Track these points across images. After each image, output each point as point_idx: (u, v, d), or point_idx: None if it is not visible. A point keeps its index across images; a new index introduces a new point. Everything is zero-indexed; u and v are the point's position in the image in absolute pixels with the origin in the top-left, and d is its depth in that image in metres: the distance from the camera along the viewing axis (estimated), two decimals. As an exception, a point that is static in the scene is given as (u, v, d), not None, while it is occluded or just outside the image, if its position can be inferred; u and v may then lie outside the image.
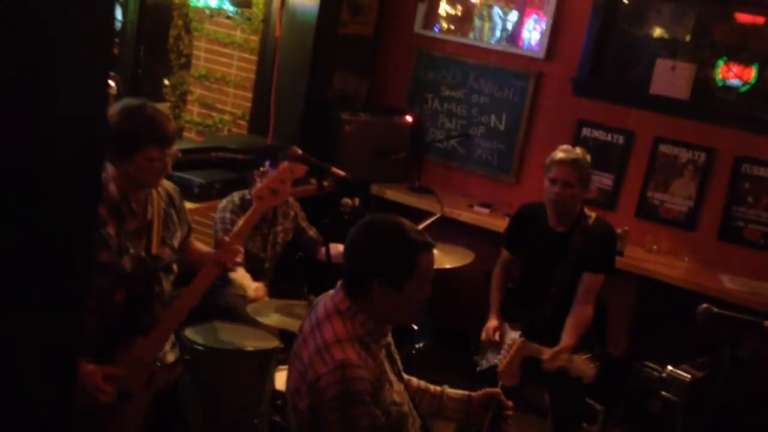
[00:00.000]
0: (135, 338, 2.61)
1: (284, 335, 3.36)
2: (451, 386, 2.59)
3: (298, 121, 5.06)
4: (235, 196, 3.80)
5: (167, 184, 2.84)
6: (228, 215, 3.69)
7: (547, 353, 3.37)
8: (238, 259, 2.79)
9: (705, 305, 2.24)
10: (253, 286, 3.54)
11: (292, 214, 4.04)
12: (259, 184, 3.22)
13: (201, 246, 3.03)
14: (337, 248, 3.96)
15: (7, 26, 1.17)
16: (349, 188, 3.87)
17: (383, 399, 2.00)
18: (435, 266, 3.89)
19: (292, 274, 4.14)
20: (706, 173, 4.71)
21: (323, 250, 3.96)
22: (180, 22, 5.42)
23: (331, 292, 2.15)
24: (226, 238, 2.81)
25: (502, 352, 2.50)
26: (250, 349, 3.10)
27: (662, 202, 4.82)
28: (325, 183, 4.02)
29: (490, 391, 2.30)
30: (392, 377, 2.11)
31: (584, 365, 3.32)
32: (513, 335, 3.76)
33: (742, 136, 4.62)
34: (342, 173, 3.13)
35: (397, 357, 2.24)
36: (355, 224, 2.14)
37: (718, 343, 3.89)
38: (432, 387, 2.38)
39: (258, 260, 3.83)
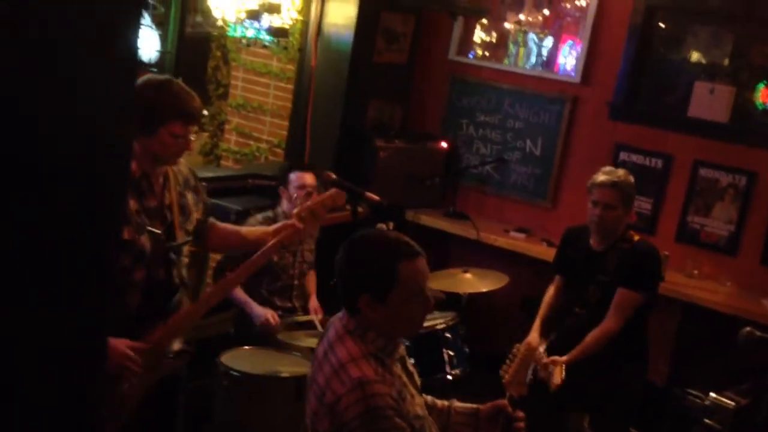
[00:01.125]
0: (156, 320, 2.57)
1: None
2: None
3: (333, 148, 5.10)
4: (259, 216, 3.85)
5: (183, 166, 2.79)
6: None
7: (543, 360, 3.38)
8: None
9: (748, 328, 2.20)
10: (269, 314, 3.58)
11: (316, 235, 4.05)
12: (298, 203, 3.21)
13: (227, 225, 3.00)
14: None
15: (26, 55, 1.20)
16: (383, 214, 3.87)
17: (406, 412, 1.97)
18: (471, 290, 3.94)
19: (329, 301, 4.15)
20: (747, 197, 4.63)
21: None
22: (218, 53, 5.51)
23: (340, 314, 2.13)
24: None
25: (507, 361, 2.43)
26: (285, 374, 3.10)
27: (703, 226, 4.74)
28: (360, 209, 4.05)
29: (498, 403, 2.23)
30: (412, 390, 2.09)
31: (555, 372, 3.31)
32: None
33: (784, 159, 4.55)
34: (376, 198, 3.13)
35: (413, 371, 2.21)
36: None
37: (760, 368, 3.82)
38: (439, 402, 2.33)
39: (287, 276, 3.86)
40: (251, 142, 5.58)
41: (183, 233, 2.71)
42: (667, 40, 5.00)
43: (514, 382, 2.33)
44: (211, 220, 2.90)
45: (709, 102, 4.66)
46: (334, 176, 3.10)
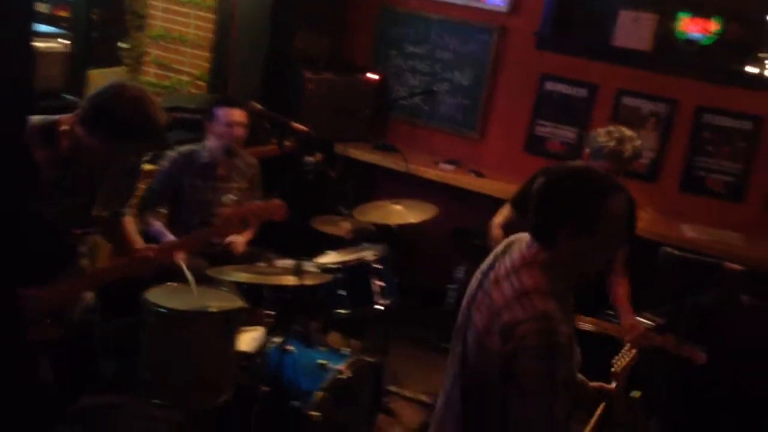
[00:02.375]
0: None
1: (247, 295, 3.34)
2: (421, 339, 2.59)
3: (258, 80, 4.97)
4: (182, 148, 3.76)
5: None
6: (166, 164, 3.69)
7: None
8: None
9: (667, 249, 2.24)
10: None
11: (250, 175, 3.97)
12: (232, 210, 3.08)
13: (132, 230, 2.97)
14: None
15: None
16: (311, 147, 3.82)
17: (572, 362, 1.99)
18: (401, 221, 3.94)
19: (255, 240, 4.09)
20: (668, 124, 4.73)
21: None
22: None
23: (525, 236, 2.08)
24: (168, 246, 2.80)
25: (621, 351, 2.43)
26: (213, 310, 3.06)
27: (625, 155, 4.83)
28: (287, 143, 3.98)
29: (606, 387, 2.27)
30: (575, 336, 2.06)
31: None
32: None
33: (704, 87, 4.64)
34: (303, 128, 3.08)
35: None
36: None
37: (682, 291, 3.96)
38: None
39: (206, 213, 3.80)
40: (172, 75, 5.39)
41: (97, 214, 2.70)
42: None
43: (621, 374, 2.34)
44: (124, 213, 2.89)
45: (633, 31, 4.71)
46: (259, 107, 3.04)
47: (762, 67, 4.52)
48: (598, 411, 2.24)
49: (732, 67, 4.60)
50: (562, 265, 1.99)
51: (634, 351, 2.44)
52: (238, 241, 3.72)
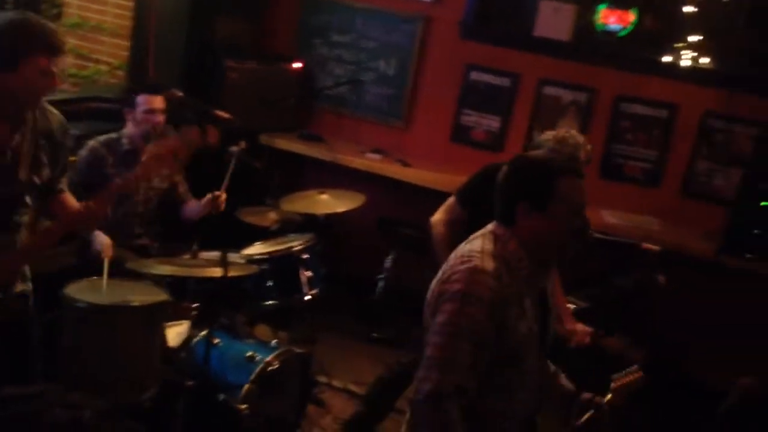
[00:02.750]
0: None
1: (172, 289, 3.27)
2: (350, 330, 2.58)
3: (179, 69, 4.86)
4: (101, 137, 3.66)
5: (54, 117, 2.63)
6: (84, 153, 3.59)
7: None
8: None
9: (589, 232, 2.28)
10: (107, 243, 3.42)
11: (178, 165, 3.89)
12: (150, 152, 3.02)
13: (74, 205, 2.85)
14: (192, 206, 3.89)
15: None
16: (234, 136, 3.77)
17: (505, 318, 2.01)
18: (328, 210, 3.92)
19: (180, 233, 4.01)
20: (587, 113, 4.84)
21: (187, 207, 3.88)
22: (48, -20, 5.08)
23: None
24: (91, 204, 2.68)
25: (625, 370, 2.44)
26: (135, 303, 2.99)
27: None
28: (210, 133, 3.92)
29: (596, 399, 2.30)
30: (527, 308, 2.11)
31: None
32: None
33: (621, 77, 4.77)
34: (226, 115, 3.03)
35: (550, 308, 2.22)
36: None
37: (604, 274, 4.07)
38: (552, 366, 2.41)
39: (130, 203, 3.71)
40: (90, 64, 5.23)
41: (31, 176, 2.56)
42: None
43: (621, 390, 2.34)
44: (63, 189, 2.73)
45: (554, 21, 4.79)
46: (179, 94, 2.97)
47: (677, 56, 4.66)
48: (585, 416, 2.27)
49: (648, 56, 4.73)
50: (520, 241, 2.07)
51: (640, 373, 2.45)
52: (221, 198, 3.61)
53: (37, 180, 2.58)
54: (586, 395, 2.32)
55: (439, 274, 2.10)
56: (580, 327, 3.38)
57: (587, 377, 2.33)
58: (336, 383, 4.19)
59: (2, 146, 2.48)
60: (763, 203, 4.28)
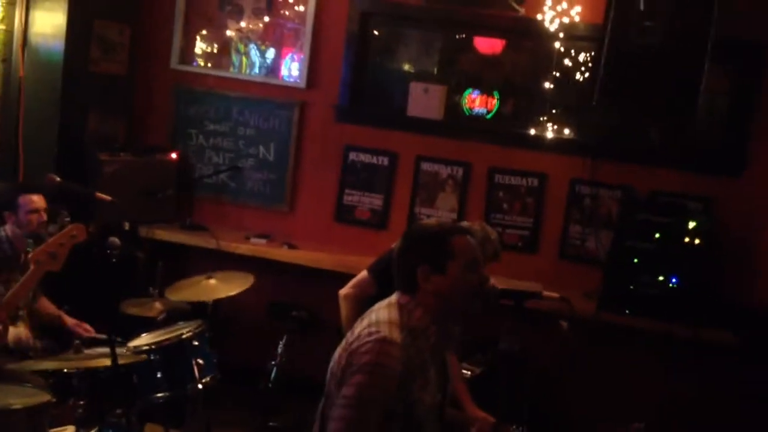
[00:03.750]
0: None
1: (56, 389, 3.08)
2: (244, 420, 2.44)
3: (51, 166, 4.70)
4: None
5: None
6: None
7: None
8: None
9: (492, 283, 2.36)
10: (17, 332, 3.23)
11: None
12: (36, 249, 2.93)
13: None
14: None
15: None
16: (113, 229, 3.68)
17: (409, 390, 2.02)
18: (219, 295, 3.83)
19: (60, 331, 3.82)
20: (465, 186, 5.03)
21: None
22: None
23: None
24: None
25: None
26: (17, 406, 2.78)
27: (429, 217, 5.05)
28: (89, 228, 3.80)
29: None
30: (431, 378, 2.11)
31: None
32: None
33: (494, 150, 5.00)
34: (107, 197, 2.97)
35: (448, 373, 2.26)
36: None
37: (490, 338, 4.13)
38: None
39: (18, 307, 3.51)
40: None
41: None
42: (382, 47, 5.30)
43: None
44: None
45: (425, 101, 5.00)
46: (57, 179, 2.89)
47: (542, 129, 4.95)
48: None
49: (516, 131, 5.00)
50: (425, 308, 2.11)
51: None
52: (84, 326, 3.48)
53: None
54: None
55: (344, 343, 2.11)
56: (482, 415, 3.38)
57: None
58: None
59: None
60: (635, 260, 4.51)
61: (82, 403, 2.97)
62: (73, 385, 3.03)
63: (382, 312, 2.13)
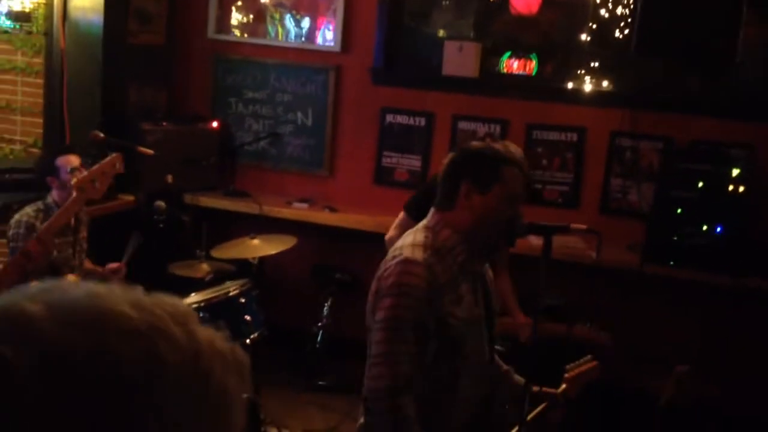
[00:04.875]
0: None
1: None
2: (291, 379, 2.45)
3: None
4: (28, 209, 3.58)
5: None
6: (22, 230, 3.47)
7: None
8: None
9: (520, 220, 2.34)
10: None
11: (87, 221, 3.84)
12: (79, 175, 3.02)
13: None
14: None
15: None
16: (157, 198, 3.78)
17: (438, 306, 2.04)
18: (260, 254, 3.91)
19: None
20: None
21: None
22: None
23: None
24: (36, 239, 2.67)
25: (580, 360, 2.41)
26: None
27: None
28: (138, 196, 3.92)
29: (549, 390, 2.33)
30: (464, 294, 2.12)
31: None
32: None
33: (530, 106, 4.97)
34: (149, 151, 3.03)
35: (491, 292, 2.26)
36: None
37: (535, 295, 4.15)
38: (505, 366, 2.44)
39: (68, 269, 3.63)
40: (3, 145, 5.14)
41: None
42: (417, 9, 5.28)
43: (575, 380, 2.34)
44: None
45: (460, 60, 4.99)
46: (101, 135, 2.97)
47: (580, 83, 4.91)
48: (538, 409, 2.29)
49: (554, 85, 4.97)
50: (453, 227, 2.11)
51: (594, 363, 2.48)
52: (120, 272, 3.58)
53: None
54: (536, 388, 2.36)
55: (377, 271, 2.15)
56: (529, 320, 3.44)
57: (548, 369, 2.36)
58: (286, 432, 4.12)
59: None
60: (678, 210, 4.47)
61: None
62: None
63: (408, 237, 2.16)
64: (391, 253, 2.14)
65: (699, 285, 4.38)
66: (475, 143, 2.25)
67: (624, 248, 4.71)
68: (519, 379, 2.40)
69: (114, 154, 2.79)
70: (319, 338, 4.87)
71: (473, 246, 2.14)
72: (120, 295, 0.69)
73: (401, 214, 3.57)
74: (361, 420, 2.13)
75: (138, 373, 0.64)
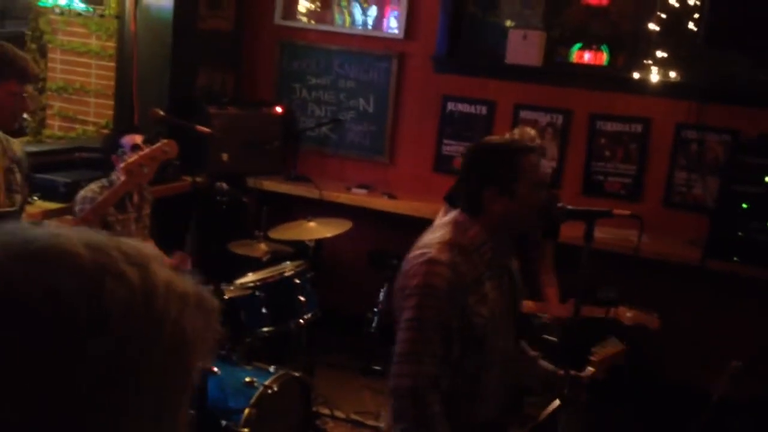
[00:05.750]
0: None
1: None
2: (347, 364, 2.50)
3: (164, 123, 4.96)
4: (93, 185, 3.72)
5: (16, 144, 2.76)
6: (87, 206, 3.61)
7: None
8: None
9: (560, 204, 2.34)
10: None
11: (151, 199, 3.96)
12: (129, 158, 3.13)
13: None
14: None
15: None
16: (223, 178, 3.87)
17: (463, 306, 2.06)
18: (314, 236, 3.99)
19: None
20: (565, 133, 4.97)
21: None
22: (33, 46, 5.22)
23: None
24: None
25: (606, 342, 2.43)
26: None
27: (528, 165, 5.02)
28: (198, 178, 4.01)
29: (575, 373, 2.32)
30: (488, 293, 2.13)
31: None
32: None
33: (595, 96, 4.91)
34: (206, 129, 3.11)
35: (518, 283, 2.28)
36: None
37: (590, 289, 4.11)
38: (531, 351, 2.46)
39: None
40: (77, 126, 5.34)
41: (6, 200, 2.63)
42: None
43: (602, 363, 2.36)
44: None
45: (524, 48, 4.95)
46: (161, 113, 3.07)
47: (646, 73, 4.82)
48: (549, 409, 2.29)
49: (619, 75, 4.89)
50: (483, 225, 2.11)
51: (620, 347, 2.47)
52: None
53: (14, 203, 2.67)
54: (562, 372, 2.34)
55: (402, 266, 2.16)
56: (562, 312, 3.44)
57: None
58: (338, 414, 4.19)
59: None
60: (744, 205, 4.36)
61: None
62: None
63: (436, 232, 2.15)
64: (417, 248, 2.13)
65: (760, 282, 4.26)
66: (485, 142, 2.26)
67: (685, 242, 4.62)
68: (547, 365, 2.39)
69: (166, 140, 2.87)
70: (374, 323, 4.92)
71: (503, 242, 2.14)
72: (77, 236, 0.69)
73: (443, 206, 3.58)
74: (385, 415, 2.18)
75: (81, 309, 0.64)
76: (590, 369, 2.34)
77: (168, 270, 0.71)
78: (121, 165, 2.77)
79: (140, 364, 0.67)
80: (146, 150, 2.86)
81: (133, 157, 2.80)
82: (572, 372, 2.32)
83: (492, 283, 2.15)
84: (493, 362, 2.15)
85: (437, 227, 2.19)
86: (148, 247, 0.73)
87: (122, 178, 2.75)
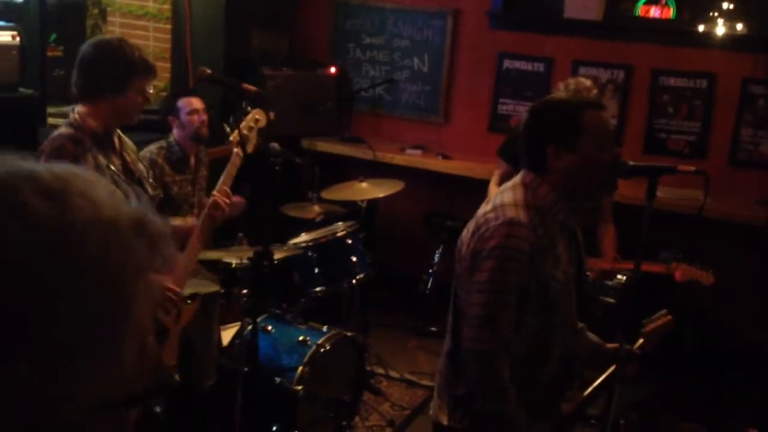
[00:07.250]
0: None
1: (224, 283, 3.36)
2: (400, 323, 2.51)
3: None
4: (152, 147, 3.78)
5: (126, 138, 2.84)
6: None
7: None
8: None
9: (622, 161, 2.24)
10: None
11: (207, 162, 4.00)
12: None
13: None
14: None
15: None
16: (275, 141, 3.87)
17: (543, 268, 2.03)
18: (366, 197, 3.98)
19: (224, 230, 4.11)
20: (626, 90, 4.82)
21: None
22: (95, 11, 5.29)
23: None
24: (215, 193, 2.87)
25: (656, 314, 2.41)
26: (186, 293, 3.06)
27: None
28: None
29: (624, 346, 2.26)
30: (561, 255, 2.11)
31: None
32: None
33: (657, 50, 4.74)
34: (253, 88, 3.11)
35: (581, 249, 2.24)
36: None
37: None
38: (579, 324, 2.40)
39: (188, 206, 3.81)
40: (136, 88, 5.41)
41: (151, 188, 2.83)
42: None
43: (651, 335, 2.33)
44: None
45: (583, 1, 4.80)
46: (208, 71, 3.08)
47: (711, 25, 4.62)
48: (611, 369, 2.25)
49: (682, 27, 4.70)
50: (551, 184, 2.06)
51: (669, 317, 2.41)
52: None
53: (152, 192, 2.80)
54: (611, 346, 2.29)
55: (472, 226, 2.10)
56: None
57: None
58: (393, 373, 4.21)
59: (125, 163, 2.70)
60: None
61: (245, 292, 3.20)
62: (237, 277, 3.28)
63: (507, 194, 2.08)
64: (487, 209, 2.06)
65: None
66: (549, 98, 2.19)
67: (752, 202, 4.46)
68: (593, 336, 2.34)
69: (255, 110, 2.93)
70: (429, 284, 4.91)
71: (573, 201, 2.08)
72: None
73: (498, 162, 3.56)
74: (440, 376, 2.17)
75: None
76: (640, 341, 2.29)
77: (100, 200, 0.69)
78: (231, 138, 2.89)
79: (58, 297, 0.66)
80: (242, 122, 2.95)
81: (234, 134, 2.88)
82: (624, 346, 2.26)
83: (564, 244, 2.11)
84: (561, 327, 2.11)
85: (505, 189, 2.12)
86: (79, 179, 0.70)
87: (234, 150, 2.91)
